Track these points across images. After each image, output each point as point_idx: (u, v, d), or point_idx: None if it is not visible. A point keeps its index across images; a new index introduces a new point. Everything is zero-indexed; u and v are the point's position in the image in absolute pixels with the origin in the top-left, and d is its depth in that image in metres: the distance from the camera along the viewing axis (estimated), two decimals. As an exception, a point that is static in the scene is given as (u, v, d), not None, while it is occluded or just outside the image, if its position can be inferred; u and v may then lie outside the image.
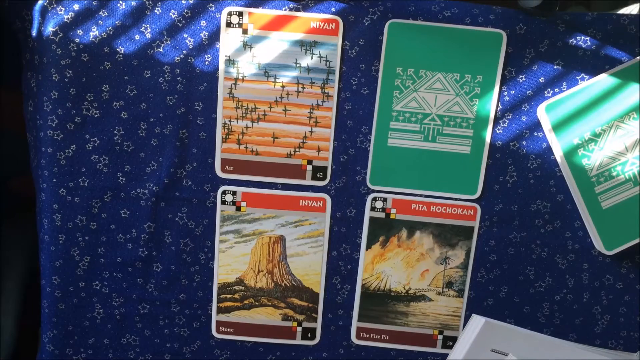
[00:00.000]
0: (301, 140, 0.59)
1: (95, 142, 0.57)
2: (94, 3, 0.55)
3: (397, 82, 0.57)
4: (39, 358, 0.62)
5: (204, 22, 0.56)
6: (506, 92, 0.58)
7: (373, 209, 0.60)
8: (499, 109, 0.58)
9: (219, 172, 0.59)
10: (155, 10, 0.55)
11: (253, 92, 0.57)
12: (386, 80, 0.57)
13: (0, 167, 0.65)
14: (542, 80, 0.57)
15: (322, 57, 0.57)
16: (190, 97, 0.57)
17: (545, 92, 0.58)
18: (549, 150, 0.59)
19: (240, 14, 0.56)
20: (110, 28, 0.55)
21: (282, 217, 0.60)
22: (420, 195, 0.60)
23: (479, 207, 0.60)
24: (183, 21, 0.56)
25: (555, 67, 0.57)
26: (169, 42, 0.56)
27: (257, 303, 0.62)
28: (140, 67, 0.56)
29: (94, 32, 0.55)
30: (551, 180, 0.59)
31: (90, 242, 0.59)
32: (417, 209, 0.60)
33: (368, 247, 0.61)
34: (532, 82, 0.57)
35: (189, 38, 0.56)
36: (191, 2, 0.55)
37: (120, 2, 0.55)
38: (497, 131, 0.58)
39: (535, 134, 0.58)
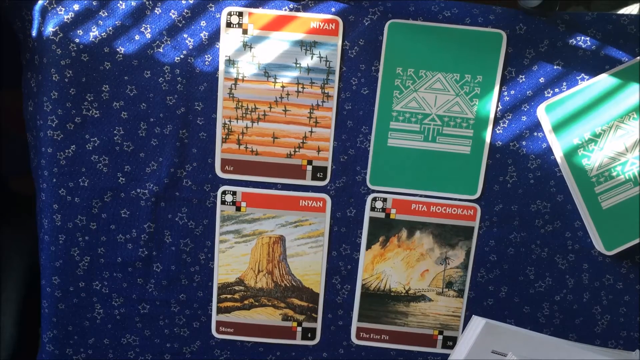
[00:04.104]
0: (301, 141, 0.59)
1: (95, 142, 0.57)
2: (94, 3, 0.55)
3: (397, 82, 0.57)
4: (39, 358, 0.62)
5: (204, 22, 0.56)
6: (506, 92, 0.58)
7: (373, 209, 0.60)
8: (499, 109, 0.58)
9: (219, 172, 0.59)
10: (155, 11, 0.55)
11: (253, 92, 0.57)
12: (386, 81, 0.57)
13: (0, 167, 0.65)
14: (542, 80, 0.57)
15: (322, 57, 0.57)
16: (190, 97, 0.57)
17: (545, 92, 0.58)
18: (549, 150, 0.59)
19: (240, 14, 0.56)
20: (110, 28, 0.55)
21: (282, 217, 0.60)
22: (420, 195, 0.60)
23: (479, 207, 0.60)
24: (183, 21, 0.56)
25: (555, 67, 0.57)
26: (169, 42, 0.56)
27: (257, 303, 0.62)
28: (140, 67, 0.56)
29: (94, 32, 0.55)
30: (551, 180, 0.59)
31: (90, 242, 0.59)
32: (417, 209, 0.60)
33: (368, 247, 0.61)
34: (532, 82, 0.57)
35: (189, 38, 0.56)
36: (191, 2, 0.55)
37: (120, 2, 0.55)
38: (497, 131, 0.58)
39: (535, 134, 0.58)
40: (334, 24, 0.56)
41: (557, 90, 0.58)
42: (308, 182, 0.59)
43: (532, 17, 0.56)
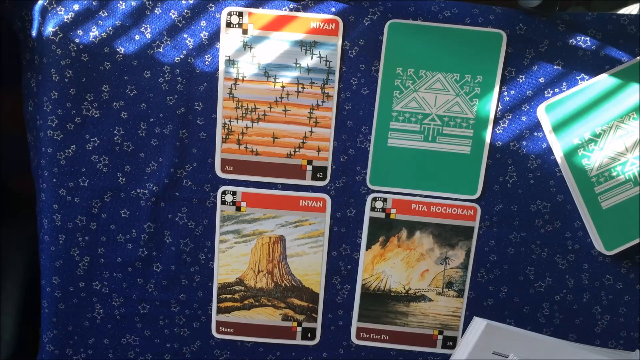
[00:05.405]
0: (301, 141, 0.59)
1: (95, 142, 0.57)
2: (94, 3, 0.55)
3: (397, 82, 0.57)
4: (39, 358, 0.62)
5: (204, 22, 0.56)
6: (506, 92, 0.58)
7: (373, 209, 0.60)
8: (499, 109, 0.58)
9: (219, 172, 0.59)
10: (155, 11, 0.55)
11: (253, 92, 0.57)
12: (386, 81, 0.57)
13: (0, 167, 0.65)
14: (542, 80, 0.57)
15: (322, 57, 0.57)
16: (190, 97, 0.57)
17: (545, 92, 0.58)
18: (549, 150, 0.59)
19: (240, 14, 0.56)
20: (110, 28, 0.55)
21: (282, 217, 0.60)
22: (420, 195, 0.60)
23: (479, 207, 0.60)
24: (183, 21, 0.56)
25: (555, 67, 0.57)
26: (169, 42, 0.56)
27: (257, 303, 0.62)
28: (140, 67, 0.56)
29: (94, 32, 0.55)
30: (551, 180, 0.59)
31: (90, 242, 0.59)
32: (417, 209, 0.60)
33: (368, 247, 0.61)
34: (532, 82, 0.57)
35: (189, 38, 0.56)
36: (191, 2, 0.55)
37: (120, 2, 0.55)
38: (497, 131, 0.58)
39: (535, 134, 0.58)
40: (334, 24, 0.56)
41: (557, 90, 0.58)
42: (308, 182, 0.59)
43: (532, 17, 0.56)
